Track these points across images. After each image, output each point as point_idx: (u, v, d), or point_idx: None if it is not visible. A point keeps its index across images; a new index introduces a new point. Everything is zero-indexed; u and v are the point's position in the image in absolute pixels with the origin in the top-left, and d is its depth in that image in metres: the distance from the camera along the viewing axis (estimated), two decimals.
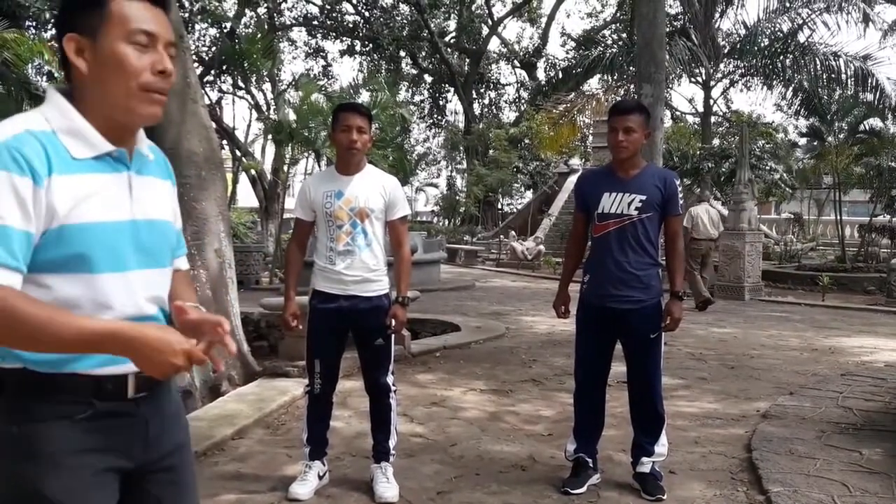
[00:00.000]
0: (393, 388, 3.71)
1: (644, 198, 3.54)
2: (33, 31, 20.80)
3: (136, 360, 1.39)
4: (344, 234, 3.56)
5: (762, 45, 16.78)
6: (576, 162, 29.52)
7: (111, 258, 1.48)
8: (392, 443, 3.70)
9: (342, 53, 33.12)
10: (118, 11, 1.47)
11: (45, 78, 19.66)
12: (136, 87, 1.48)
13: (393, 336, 3.71)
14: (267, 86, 23.67)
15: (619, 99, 19.31)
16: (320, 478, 3.70)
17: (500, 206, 31.69)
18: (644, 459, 3.70)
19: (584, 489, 3.66)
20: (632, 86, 17.11)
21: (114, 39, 1.46)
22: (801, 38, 16.80)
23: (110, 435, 1.50)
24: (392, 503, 3.52)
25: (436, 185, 37.65)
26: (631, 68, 16.70)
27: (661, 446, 3.74)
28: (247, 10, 22.91)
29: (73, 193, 1.43)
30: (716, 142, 22.37)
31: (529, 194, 29.99)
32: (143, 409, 1.55)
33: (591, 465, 3.77)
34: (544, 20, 34.94)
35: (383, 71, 31.63)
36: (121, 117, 1.50)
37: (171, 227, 1.66)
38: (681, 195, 3.71)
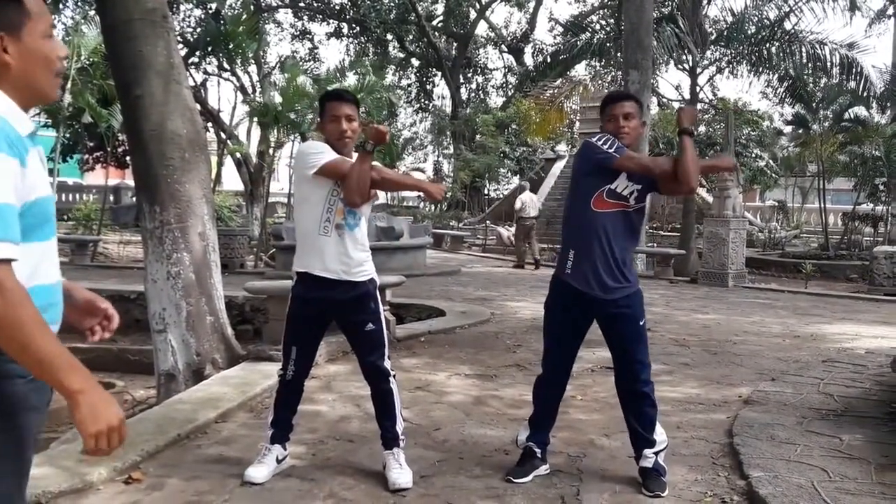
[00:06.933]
0: (391, 372, 3.67)
1: (640, 187, 3.54)
2: None
3: (77, 401, 1.49)
4: (339, 211, 3.51)
5: (749, 32, 16.77)
6: (562, 148, 29.56)
7: (51, 227, 1.65)
8: (399, 428, 3.67)
9: (329, 36, 32.96)
10: (34, 9, 1.61)
11: None
12: (54, 74, 1.66)
13: (384, 320, 3.69)
14: (252, 68, 23.48)
15: (606, 85, 19.35)
16: (278, 462, 3.66)
17: (486, 192, 31.66)
18: (647, 452, 3.62)
19: (529, 479, 3.60)
20: (619, 72, 17.11)
21: (38, 37, 1.61)
22: (788, 25, 16.79)
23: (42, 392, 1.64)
24: (406, 488, 3.49)
25: (422, 170, 37.48)
26: (618, 54, 16.67)
27: (660, 434, 3.68)
28: None
29: (34, 167, 1.58)
30: (702, 129, 22.42)
31: (516, 180, 29.96)
32: None
33: (538, 455, 3.70)
34: (532, 4, 34.89)
35: (370, 54, 31.51)
36: (39, 100, 1.69)
37: None
38: None
